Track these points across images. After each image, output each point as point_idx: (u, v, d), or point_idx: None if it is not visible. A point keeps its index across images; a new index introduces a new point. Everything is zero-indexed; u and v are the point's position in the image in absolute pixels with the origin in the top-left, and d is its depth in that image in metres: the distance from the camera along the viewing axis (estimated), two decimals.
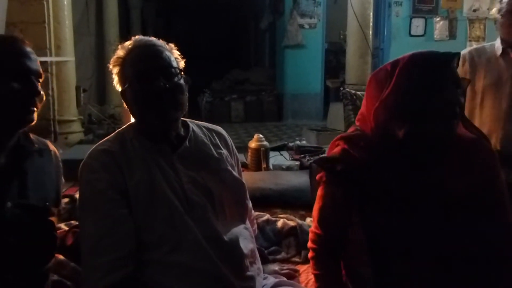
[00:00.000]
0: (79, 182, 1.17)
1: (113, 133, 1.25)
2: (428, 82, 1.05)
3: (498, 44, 2.07)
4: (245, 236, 1.23)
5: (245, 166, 2.86)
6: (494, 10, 2.03)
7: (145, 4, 9.72)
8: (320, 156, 1.28)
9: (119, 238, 1.08)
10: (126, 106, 1.23)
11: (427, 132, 1.07)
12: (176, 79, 1.18)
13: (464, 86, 1.10)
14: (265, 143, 2.73)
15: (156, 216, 1.12)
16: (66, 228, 1.80)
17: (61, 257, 1.48)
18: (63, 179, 1.29)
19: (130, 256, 1.08)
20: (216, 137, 1.32)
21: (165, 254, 1.10)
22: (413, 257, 1.06)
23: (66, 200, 2.19)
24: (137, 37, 1.23)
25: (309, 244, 1.25)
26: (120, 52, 1.20)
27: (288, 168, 2.82)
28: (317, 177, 1.21)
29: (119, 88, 1.22)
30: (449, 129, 1.07)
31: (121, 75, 1.20)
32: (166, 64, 1.17)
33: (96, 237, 1.08)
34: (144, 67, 1.15)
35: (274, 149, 3.58)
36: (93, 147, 1.20)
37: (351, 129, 1.23)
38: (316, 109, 7.76)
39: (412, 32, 7.17)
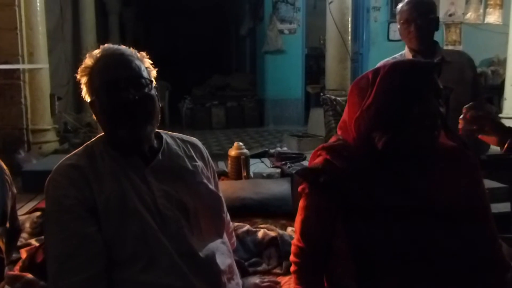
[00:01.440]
0: (45, 199, 1.11)
1: (81, 147, 1.20)
2: (409, 91, 1.04)
3: (407, 53, 2.13)
4: (222, 251, 1.19)
5: (225, 174, 2.82)
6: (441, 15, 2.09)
7: (123, 9, 9.60)
8: (303, 167, 1.25)
9: (88, 257, 1.03)
10: (95, 118, 1.17)
11: (408, 143, 1.05)
12: (146, 89, 1.13)
13: (448, 95, 1.09)
14: (245, 151, 2.70)
15: (127, 232, 1.07)
16: (37, 244, 1.72)
17: (30, 276, 1.42)
18: (14, 192, 1.19)
19: (99, 276, 1.04)
20: (191, 149, 1.28)
21: (137, 273, 1.06)
22: (399, 267, 1.03)
23: (38, 213, 2.12)
24: (105, 45, 1.18)
25: (291, 258, 1.22)
26: (88, 61, 1.15)
27: (269, 176, 2.78)
28: (299, 188, 1.18)
29: (87, 98, 1.16)
30: (429, 140, 1.06)
31: (89, 85, 1.15)
32: (135, 74, 1.12)
33: (64, 256, 1.03)
34: (112, 77, 1.10)
35: (255, 156, 3.56)
36: (60, 161, 1.14)
37: (333, 139, 1.20)
38: (297, 114, 7.77)
39: (391, 37, 7.27)
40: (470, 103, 1.20)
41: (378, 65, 1.13)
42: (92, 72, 1.14)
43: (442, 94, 1.08)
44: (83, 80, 1.15)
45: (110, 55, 1.14)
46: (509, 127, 1.31)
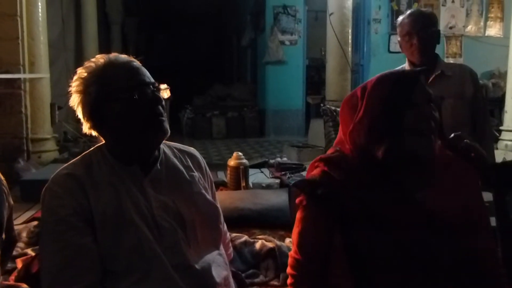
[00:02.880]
0: (41, 208, 1.10)
1: (79, 156, 1.19)
2: (398, 98, 1.05)
3: (407, 67, 2.12)
4: (218, 263, 1.18)
5: (224, 184, 2.82)
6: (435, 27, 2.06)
7: (126, 20, 9.66)
8: (300, 179, 1.24)
9: (82, 268, 1.02)
10: (90, 127, 1.16)
11: (406, 150, 1.05)
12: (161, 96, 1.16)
13: (439, 104, 1.09)
14: (245, 161, 2.70)
15: (123, 244, 1.06)
16: (33, 254, 1.72)
17: (25, 285, 1.41)
18: (10, 202, 1.19)
19: (94, 287, 1.03)
20: (188, 159, 1.27)
21: (131, 285, 1.05)
22: (398, 279, 1.02)
23: (34, 223, 2.11)
24: (108, 55, 1.17)
25: (288, 270, 1.20)
26: (92, 69, 1.13)
27: (268, 186, 2.78)
28: (297, 200, 1.17)
29: (82, 107, 1.14)
30: (426, 145, 1.06)
31: (98, 91, 1.11)
32: (152, 80, 1.15)
33: (58, 267, 1.02)
34: (140, 80, 1.12)
35: (254, 166, 3.55)
36: (57, 171, 1.13)
37: (330, 150, 1.20)
38: (298, 125, 7.77)
39: (391, 49, 7.29)
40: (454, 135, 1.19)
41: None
42: (107, 77, 1.12)
43: (433, 99, 1.08)
44: (87, 87, 1.13)
45: (127, 62, 1.15)
46: (492, 163, 1.30)
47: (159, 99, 1.12)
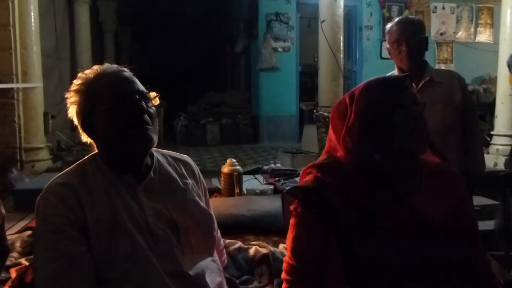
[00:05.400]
0: (36, 218, 1.11)
1: (73, 165, 1.20)
2: (387, 101, 1.08)
3: (396, 73, 2.13)
4: (212, 270, 1.19)
5: (218, 191, 2.82)
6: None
7: (119, 28, 9.68)
8: (294, 185, 1.26)
9: (77, 277, 1.02)
10: (87, 137, 1.18)
11: (398, 148, 1.08)
12: (150, 104, 1.16)
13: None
14: (238, 167, 2.70)
15: (117, 252, 1.07)
16: (27, 264, 1.71)
17: None
18: (2, 212, 1.20)
19: None
20: (182, 167, 1.28)
21: None
22: (395, 284, 1.03)
23: (28, 232, 2.09)
24: (104, 64, 1.20)
25: (283, 275, 1.21)
26: (83, 80, 1.16)
27: (262, 193, 2.79)
28: (291, 207, 1.18)
29: (76, 118, 1.16)
30: (418, 142, 1.09)
31: (87, 101, 1.14)
32: (142, 89, 1.16)
33: (53, 276, 1.02)
34: (126, 90, 1.13)
35: (248, 172, 3.56)
36: (51, 180, 1.14)
37: (322, 157, 1.21)
38: (291, 131, 7.79)
39: (383, 55, 7.37)
40: None
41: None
42: (94, 88, 1.14)
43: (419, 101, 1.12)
44: (76, 98, 1.15)
45: (114, 71, 1.17)
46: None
47: (143, 109, 1.13)
